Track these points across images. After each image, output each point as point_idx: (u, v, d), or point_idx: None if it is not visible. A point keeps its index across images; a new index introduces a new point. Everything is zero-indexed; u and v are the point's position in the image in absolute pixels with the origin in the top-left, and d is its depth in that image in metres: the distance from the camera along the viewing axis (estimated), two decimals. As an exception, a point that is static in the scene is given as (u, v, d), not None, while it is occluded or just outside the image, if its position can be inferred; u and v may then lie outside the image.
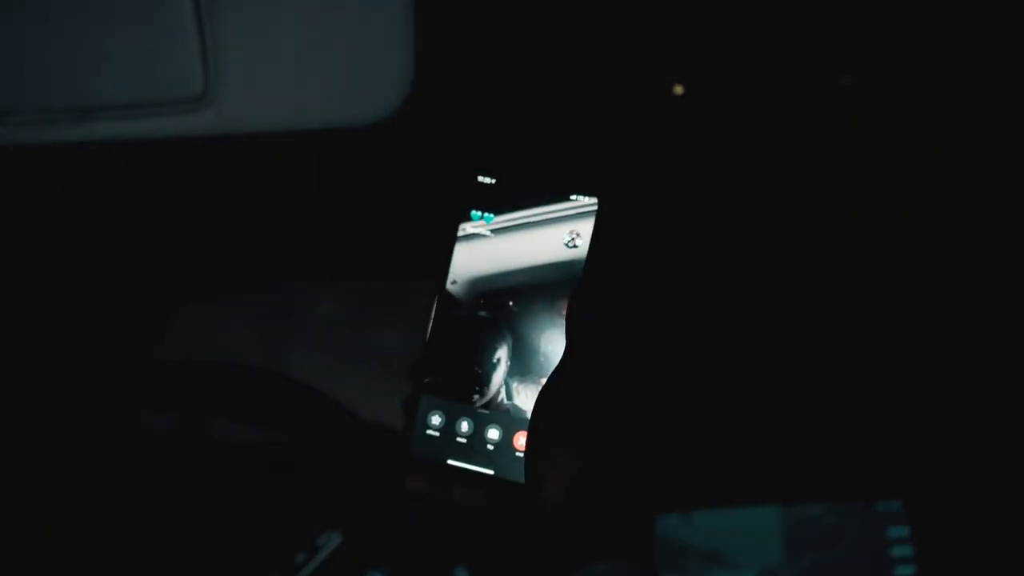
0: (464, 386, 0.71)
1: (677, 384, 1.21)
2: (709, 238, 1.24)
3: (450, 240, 0.73)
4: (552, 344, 0.70)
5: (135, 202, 1.24)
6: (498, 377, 0.70)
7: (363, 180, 1.25)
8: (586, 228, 0.71)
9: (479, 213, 0.73)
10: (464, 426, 0.71)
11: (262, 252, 1.30)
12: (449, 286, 0.72)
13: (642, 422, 1.18)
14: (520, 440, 0.70)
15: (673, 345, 1.22)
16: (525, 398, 0.70)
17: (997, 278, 1.24)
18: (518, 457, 0.69)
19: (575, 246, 0.71)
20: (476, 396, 0.70)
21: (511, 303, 0.71)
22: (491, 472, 0.70)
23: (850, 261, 1.25)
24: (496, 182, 0.74)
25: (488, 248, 0.73)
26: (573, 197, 0.72)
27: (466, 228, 0.73)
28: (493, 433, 0.70)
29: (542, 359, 0.70)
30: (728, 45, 1.17)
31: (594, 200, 0.71)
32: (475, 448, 0.70)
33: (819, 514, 1.20)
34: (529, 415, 0.70)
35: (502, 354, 0.70)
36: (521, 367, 0.70)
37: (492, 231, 0.73)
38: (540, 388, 0.70)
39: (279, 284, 1.33)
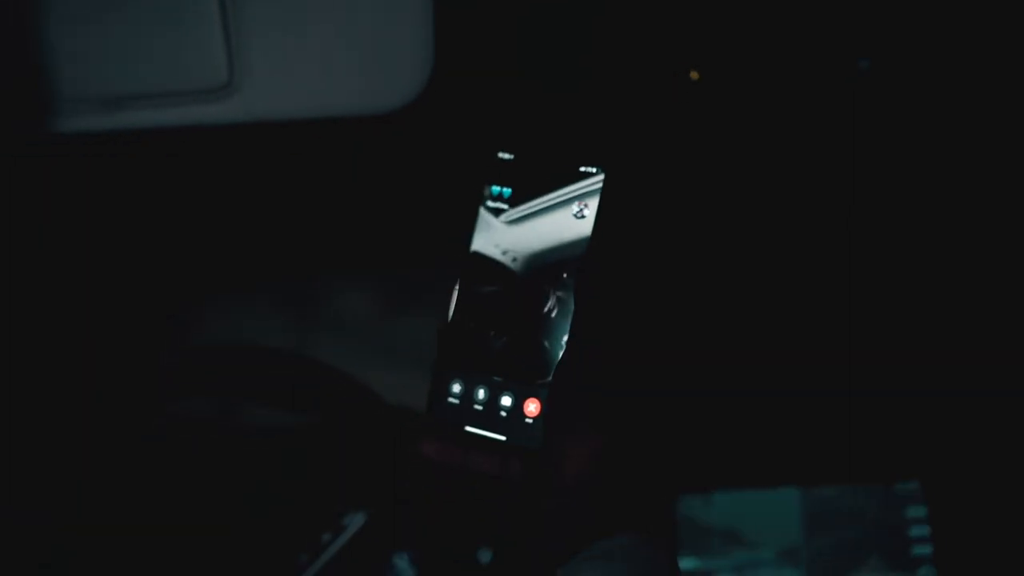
0: (534, 365, 0.73)
1: (695, 366, 1.22)
2: (722, 215, 1.25)
3: (472, 214, 0.76)
4: None
5: (163, 191, 1.26)
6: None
7: (385, 167, 1.26)
8: (594, 200, 0.73)
9: (498, 188, 0.76)
10: (481, 393, 0.73)
11: (287, 241, 1.32)
12: (510, 263, 0.75)
13: (660, 404, 1.19)
14: (529, 407, 0.72)
15: (690, 327, 1.24)
16: None
17: (1015, 268, 1.24)
18: (527, 423, 0.71)
19: (583, 216, 0.73)
20: (540, 377, 0.73)
21: (564, 275, 0.73)
22: (503, 438, 0.72)
23: (863, 243, 1.25)
24: (515, 158, 0.76)
25: (534, 227, 0.75)
26: (583, 169, 0.74)
27: (511, 213, 0.76)
28: (506, 400, 0.72)
29: None
30: (743, 30, 1.18)
31: (600, 171, 0.74)
32: (490, 415, 0.72)
33: (838, 495, 1.21)
34: (538, 381, 0.72)
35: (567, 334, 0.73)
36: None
37: (525, 215, 0.75)
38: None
39: (305, 273, 1.35)
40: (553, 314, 0.73)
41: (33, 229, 1.16)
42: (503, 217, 0.76)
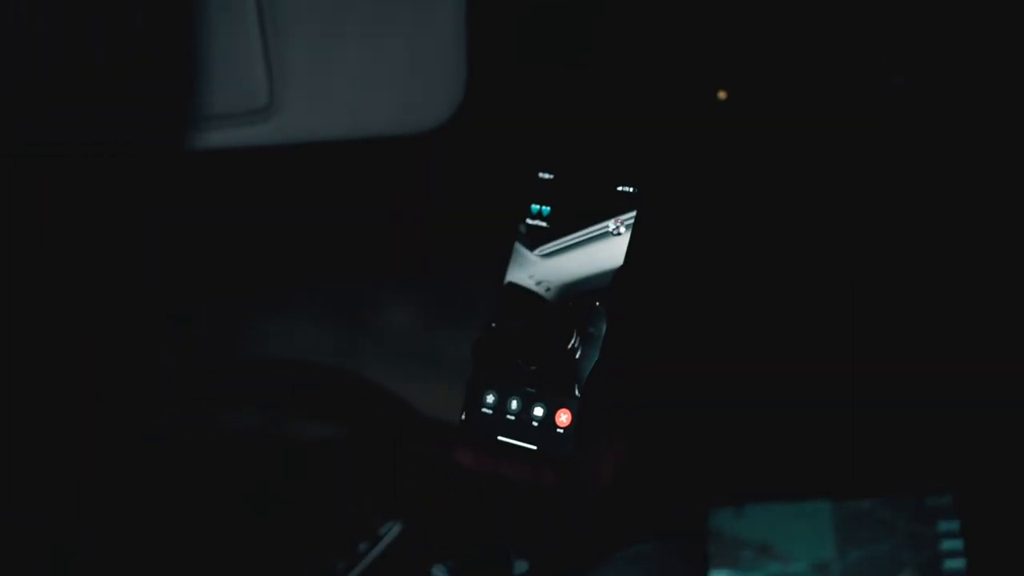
0: (565, 386, 0.75)
1: (724, 380, 1.23)
2: (754, 227, 1.25)
3: (512, 234, 0.79)
4: None
5: (207, 209, 1.28)
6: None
7: (424, 187, 1.29)
8: (629, 218, 0.76)
9: (538, 206, 0.79)
10: (514, 404, 0.75)
11: (330, 254, 1.34)
12: (544, 293, 0.77)
13: (688, 417, 1.20)
14: (561, 417, 0.74)
15: (720, 343, 1.24)
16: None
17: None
18: (559, 433, 0.74)
19: (619, 234, 0.76)
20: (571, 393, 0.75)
21: (597, 303, 0.76)
22: (535, 447, 0.74)
23: (900, 258, 1.26)
24: (554, 177, 0.79)
25: (568, 259, 0.78)
26: (621, 189, 0.77)
27: (545, 248, 0.78)
28: (538, 411, 0.74)
29: None
30: (771, 46, 1.19)
31: (636, 191, 0.76)
32: (522, 425, 0.75)
33: (870, 508, 1.21)
34: (569, 392, 0.74)
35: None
36: None
37: (558, 249, 0.78)
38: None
39: (348, 286, 1.37)
40: (584, 342, 0.75)
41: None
42: (538, 251, 0.79)
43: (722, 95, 1.15)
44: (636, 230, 0.76)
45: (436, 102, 1.05)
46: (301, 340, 1.35)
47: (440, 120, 1.05)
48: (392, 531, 1.10)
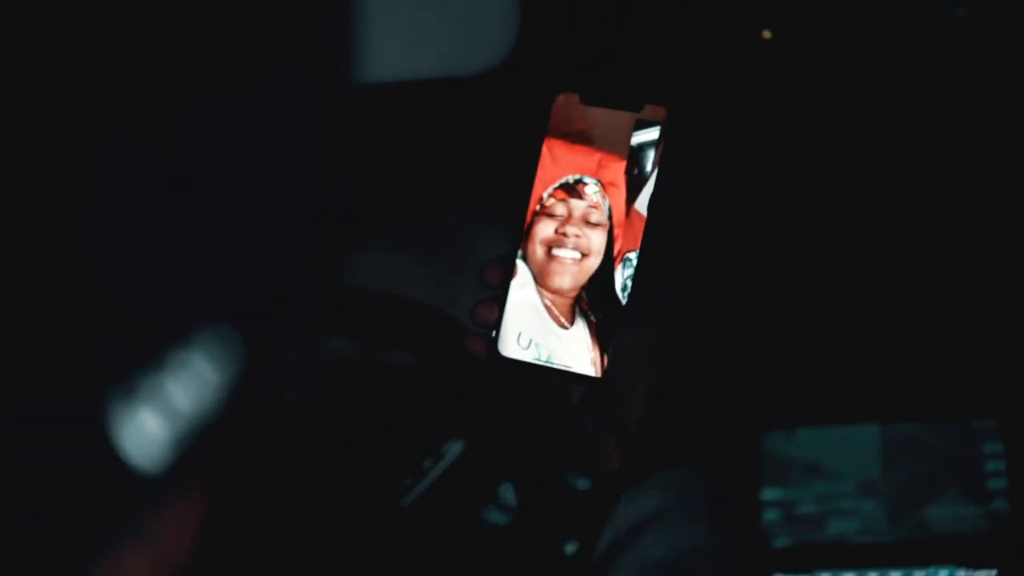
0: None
1: (761, 309, 1.25)
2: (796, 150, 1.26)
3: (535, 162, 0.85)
4: None
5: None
6: None
7: (480, 129, 1.32)
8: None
9: None
10: None
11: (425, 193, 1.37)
12: None
13: (725, 342, 1.23)
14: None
15: (757, 273, 1.26)
16: None
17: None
18: (591, 354, 0.79)
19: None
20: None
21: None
22: (567, 368, 0.80)
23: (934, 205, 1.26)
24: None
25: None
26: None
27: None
28: None
29: None
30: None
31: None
32: None
33: (917, 431, 1.25)
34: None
35: None
36: None
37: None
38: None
39: (444, 223, 1.40)
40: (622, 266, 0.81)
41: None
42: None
43: (767, 35, 1.15)
44: (665, 153, 0.81)
45: (489, 43, 1.08)
46: (393, 274, 1.37)
47: (493, 62, 1.08)
48: (454, 449, 1.16)
